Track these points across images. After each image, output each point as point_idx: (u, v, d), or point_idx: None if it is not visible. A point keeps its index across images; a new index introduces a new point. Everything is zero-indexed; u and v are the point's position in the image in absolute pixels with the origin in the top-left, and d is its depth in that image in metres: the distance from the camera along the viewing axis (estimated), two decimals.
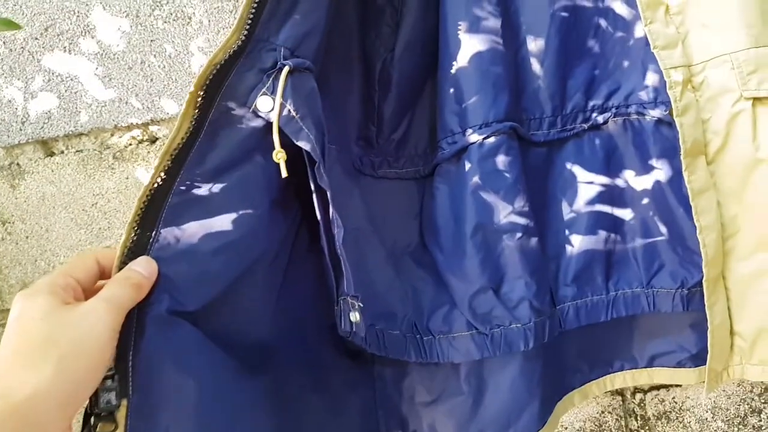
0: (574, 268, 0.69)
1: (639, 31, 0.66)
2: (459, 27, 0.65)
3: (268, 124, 0.49)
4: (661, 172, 0.66)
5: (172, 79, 0.74)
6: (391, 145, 0.72)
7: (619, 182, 0.70)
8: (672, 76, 0.59)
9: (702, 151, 0.60)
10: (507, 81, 0.65)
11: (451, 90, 0.66)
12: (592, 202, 0.69)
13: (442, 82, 0.67)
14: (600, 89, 0.70)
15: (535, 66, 0.69)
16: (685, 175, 0.59)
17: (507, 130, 0.64)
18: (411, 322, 0.63)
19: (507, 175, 0.64)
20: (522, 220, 0.64)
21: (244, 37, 0.48)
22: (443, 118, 0.67)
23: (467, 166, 0.64)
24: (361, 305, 0.54)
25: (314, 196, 0.51)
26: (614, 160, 0.70)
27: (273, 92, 0.49)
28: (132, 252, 0.43)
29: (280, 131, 0.48)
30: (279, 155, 0.48)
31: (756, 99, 0.59)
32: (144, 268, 0.42)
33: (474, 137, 0.64)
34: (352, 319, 0.53)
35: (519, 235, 0.64)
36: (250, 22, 0.48)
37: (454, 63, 0.65)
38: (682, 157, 0.58)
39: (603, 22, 0.68)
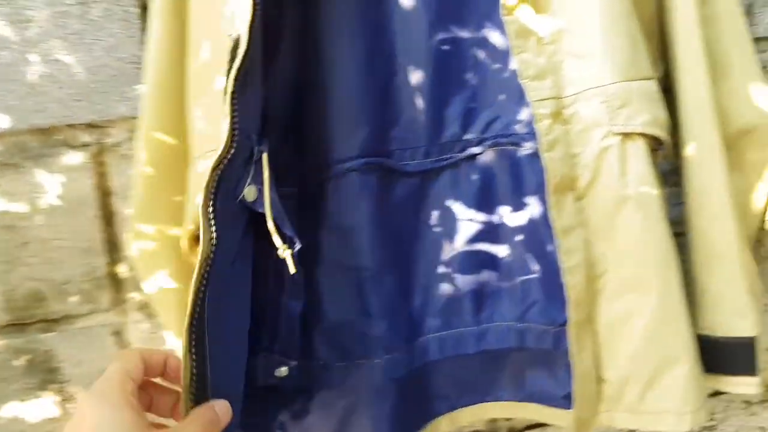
0: (443, 300, 0.67)
1: (514, 62, 0.64)
2: (330, 55, 0.62)
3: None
4: (534, 207, 0.64)
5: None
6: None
7: (495, 218, 0.67)
8: (540, 108, 0.56)
9: (571, 186, 0.57)
10: (370, 113, 0.62)
11: (314, 121, 0.64)
12: (469, 240, 0.67)
13: (309, 111, 0.64)
14: (478, 120, 0.67)
15: (410, 95, 0.65)
16: (550, 213, 0.56)
17: (360, 167, 0.60)
18: None
19: (356, 212, 0.62)
20: (370, 258, 0.62)
21: (236, 137, 0.48)
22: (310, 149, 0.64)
23: (324, 199, 0.62)
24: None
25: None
26: (491, 193, 0.67)
27: (257, 181, 0.51)
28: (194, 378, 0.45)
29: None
30: (286, 251, 0.52)
31: (624, 134, 0.57)
32: (224, 413, 0.45)
33: (329, 172, 0.61)
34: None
35: (368, 272, 0.62)
36: (236, 120, 0.48)
37: (319, 92, 0.63)
38: (547, 194, 0.55)
39: (481, 54, 0.66)
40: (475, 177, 0.67)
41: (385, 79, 0.64)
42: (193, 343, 0.45)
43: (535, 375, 0.69)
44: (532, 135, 0.63)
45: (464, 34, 0.66)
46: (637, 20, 0.60)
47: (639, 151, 0.57)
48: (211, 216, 0.47)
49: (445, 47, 0.65)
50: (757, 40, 0.69)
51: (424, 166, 0.67)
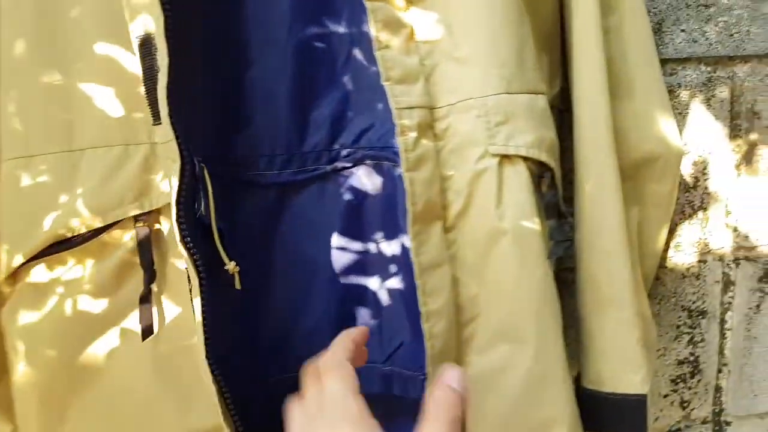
0: (303, 336, 0.58)
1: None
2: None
3: None
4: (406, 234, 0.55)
5: None
6: None
7: (365, 245, 0.57)
8: (404, 118, 0.46)
9: (439, 215, 0.48)
10: (208, 113, 0.51)
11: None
12: (333, 268, 0.58)
13: None
14: (349, 128, 0.57)
15: (266, 95, 0.55)
16: (411, 245, 0.46)
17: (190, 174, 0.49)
18: None
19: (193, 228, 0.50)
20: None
21: (185, 158, 0.45)
22: None
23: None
24: None
25: None
26: (361, 215, 0.58)
27: (203, 194, 0.48)
28: None
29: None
30: (236, 267, 0.49)
31: (503, 156, 0.48)
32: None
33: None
34: None
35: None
36: (179, 139, 0.45)
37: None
38: (408, 223, 0.46)
39: (358, 53, 0.56)
40: (344, 195, 0.58)
41: (233, 74, 0.54)
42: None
43: (402, 427, 0.60)
44: None
45: (339, 28, 0.56)
46: (530, 28, 0.51)
47: (519, 177, 0.48)
48: (189, 244, 0.45)
49: (312, 41, 0.55)
50: (666, 61, 0.62)
51: (283, 178, 0.57)
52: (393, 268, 0.57)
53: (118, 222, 0.48)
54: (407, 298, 0.55)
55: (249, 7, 0.53)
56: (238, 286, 0.50)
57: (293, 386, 0.59)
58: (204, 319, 0.46)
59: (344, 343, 0.41)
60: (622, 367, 0.55)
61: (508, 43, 0.48)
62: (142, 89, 0.47)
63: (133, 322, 0.49)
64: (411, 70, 0.48)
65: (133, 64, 0.47)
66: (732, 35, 0.66)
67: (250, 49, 0.54)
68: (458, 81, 0.49)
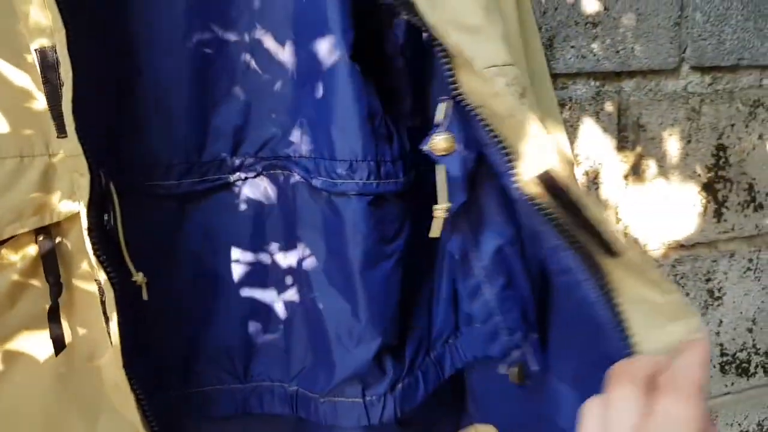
0: (210, 353, 0.57)
1: (288, 72, 0.55)
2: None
3: None
4: (307, 248, 0.55)
5: None
6: None
7: (273, 259, 0.57)
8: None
9: None
10: (95, 118, 0.50)
11: None
12: (236, 283, 0.57)
13: None
14: (251, 136, 0.57)
15: (160, 101, 0.54)
16: None
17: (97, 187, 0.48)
18: None
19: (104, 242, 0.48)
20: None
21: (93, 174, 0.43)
22: None
23: None
24: None
25: None
26: (263, 229, 0.57)
27: (111, 207, 0.46)
28: None
29: None
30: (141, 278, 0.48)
31: None
32: None
33: None
34: None
35: None
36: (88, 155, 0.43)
37: None
38: None
39: (256, 61, 0.56)
40: (246, 206, 0.57)
41: (127, 81, 0.53)
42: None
43: None
44: (313, 162, 0.54)
45: (233, 35, 0.55)
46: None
47: None
48: (103, 260, 0.44)
49: (209, 48, 0.54)
50: (557, 75, 0.66)
51: (182, 189, 0.56)
52: (295, 282, 0.57)
53: (15, 236, 0.46)
54: (309, 315, 0.56)
55: (142, 12, 0.52)
56: (145, 297, 0.49)
57: (197, 400, 0.58)
58: (121, 332, 0.45)
59: (699, 362, 0.32)
60: None
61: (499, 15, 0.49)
62: (37, 102, 0.45)
63: (36, 337, 0.47)
64: None
65: (25, 77, 0.45)
66: (618, 52, 0.71)
67: (145, 55, 0.53)
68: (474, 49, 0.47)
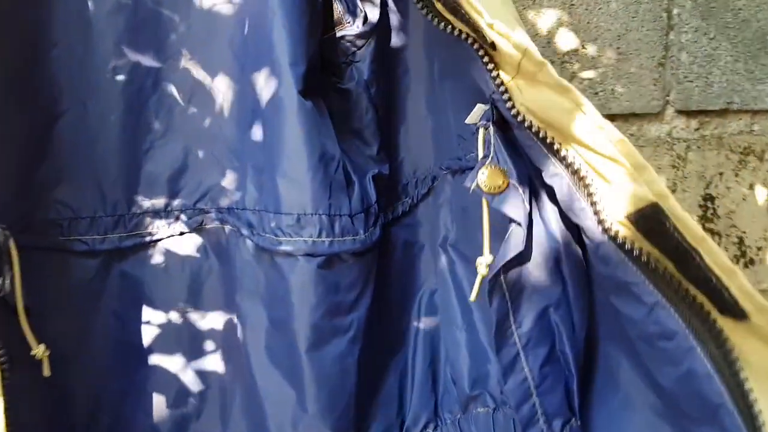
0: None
1: (233, 111, 0.48)
2: None
3: None
4: (247, 319, 0.47)
5: None
6: None
7: (199, 328, 0.49)
8: None
9: None
10: (14, 173, 0.43)
11: None
12: (165, 356, 0.49)
13: None
14: (190, 185, 0.49)
15: (87, 146, 0.47)
16: None
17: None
18: None
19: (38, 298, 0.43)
20: None
21: None
22: None
23: None
24: None
25: None
26: (203, 291, 0.50)
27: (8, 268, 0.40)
28: None
29: None
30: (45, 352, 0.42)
31: None
32: None
33: None
34: None
35: None
36: None
37: None
38: None
39: (191, 99, 0.48)
40: (178, 267, 0.50)
41: (42, 125, 0.46)
42: None
43: None
44: (258, 216, 0.47)
45: (152, 62, 0.48)
46: None
47: None
48: None
49: (140, 84, 0.47)
50: None
51: (107, 245, 0.48)
52: (232, 360, 0.49)
53: None
54: (249, 400, 0.48)
55: (68, 48, 0.45)
56: (47, 372, 0.42)
57: None
58: (8, 419, 0.36)
59: None
60: None
61: None
62: None
63: None
64: None
65: None
66: (597, 93, 0.66)
67: (70, 94, 0.46)
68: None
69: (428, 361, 0.51)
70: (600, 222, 0.34)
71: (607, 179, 0.33)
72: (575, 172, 0.34)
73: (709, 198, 0.76)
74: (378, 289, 0.47)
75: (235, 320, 0.48)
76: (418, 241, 0.51)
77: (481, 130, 0.39)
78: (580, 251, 0.41)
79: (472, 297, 0.40)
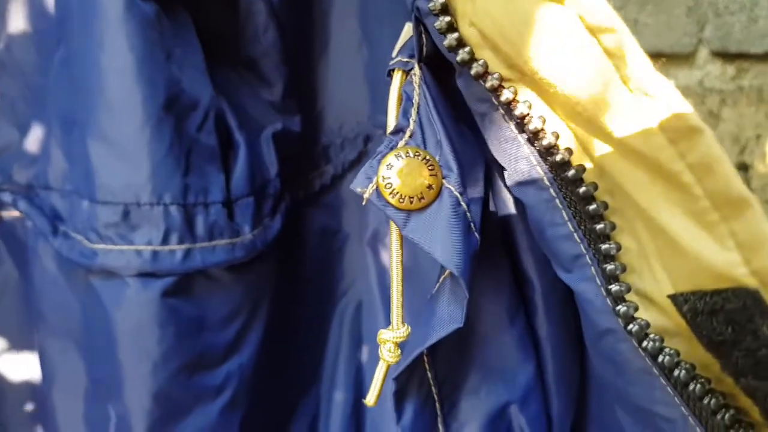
0: None
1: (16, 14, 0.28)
2: None
3: None
4: (57, 370, 0.29)
5: None
6: None
7: None
8: None
9: None
10: None
11: None
12: None
13: None
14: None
15: None
16: None
17: None
18: None
19: None
20: None
21: None
22: None
23: None
24: None
25: None
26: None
27: None
28: None
29: None
30: None
31: None
32: None
33: None
34: None
35: None
36: None
37: None
38: None
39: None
40: None
41: None
42: None
43: None
44: (68, 201, 0.28)
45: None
46: None
47: None
48: None
49: None
50: None
51: None
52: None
53: None
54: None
55: None
56: None
57: None
58: None
59: None
60: None
61: None
62: None
63: None
64: None
65: None
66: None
67: None
68: None
69: (350, 402, 0.34)
70: (616, 300, 0.17)
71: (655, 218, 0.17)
72: (584, 199, 0.17)
73: (742, 167, 0.59)
74: (278, 309, 0.29)
75: (38, 371, 0.29)
76: (341, 230, 0.33)
77: (397, 76, 0.20)
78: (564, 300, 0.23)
79: (370, 399, 0.22)
